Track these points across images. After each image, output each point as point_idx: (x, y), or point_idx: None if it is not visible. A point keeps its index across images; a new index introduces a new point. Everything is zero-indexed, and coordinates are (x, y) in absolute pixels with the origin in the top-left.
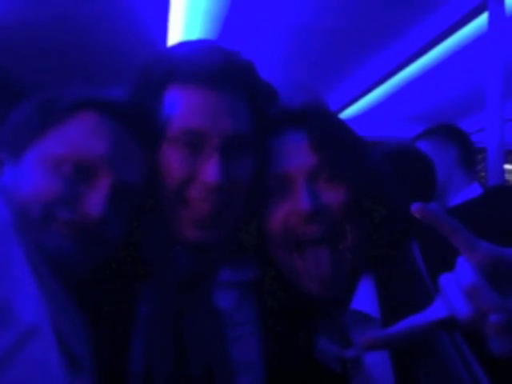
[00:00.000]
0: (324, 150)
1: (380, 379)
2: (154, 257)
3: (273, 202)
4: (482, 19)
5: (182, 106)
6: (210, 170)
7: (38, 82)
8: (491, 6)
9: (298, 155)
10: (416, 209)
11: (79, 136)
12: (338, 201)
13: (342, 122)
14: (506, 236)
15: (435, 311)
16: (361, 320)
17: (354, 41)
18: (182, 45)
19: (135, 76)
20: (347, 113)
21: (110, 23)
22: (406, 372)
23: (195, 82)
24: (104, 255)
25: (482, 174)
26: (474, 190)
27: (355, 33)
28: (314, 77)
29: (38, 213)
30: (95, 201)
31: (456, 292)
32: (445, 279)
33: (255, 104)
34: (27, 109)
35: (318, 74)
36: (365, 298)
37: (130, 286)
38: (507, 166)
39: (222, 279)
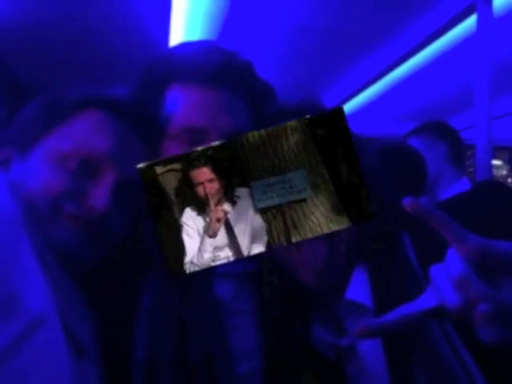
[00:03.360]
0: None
1: (373, 367)
2: (155, 248)
3: None
4: (471, 20)
5: (183, 104)
6: None
7: (44, 82)
8: (480, 7)
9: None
10: (407, 203)
11: (84, 133)
12: None
13: None
14: (493, 228)
15: (426, 301)
16: (355, 310)
17: (349, 41)
18: (183, 45)
19: (138, 75)
20: None
21: (114, 24)
22: (399, 361)
23: (196, 81)
24: (108, 247)
25: (471, 169)
26: (463, 185)
27: (350, 33)
28: (310, 75)
29: (45, 206)
30: (100, 195)
31: (446, 282)
32: (435, 270)
33: (254, 102)
34: (33, 107)
35: (314, 73)
36: (359, 288)
37: (133, 276)
38: (495, 162)
39: (221, 270)
